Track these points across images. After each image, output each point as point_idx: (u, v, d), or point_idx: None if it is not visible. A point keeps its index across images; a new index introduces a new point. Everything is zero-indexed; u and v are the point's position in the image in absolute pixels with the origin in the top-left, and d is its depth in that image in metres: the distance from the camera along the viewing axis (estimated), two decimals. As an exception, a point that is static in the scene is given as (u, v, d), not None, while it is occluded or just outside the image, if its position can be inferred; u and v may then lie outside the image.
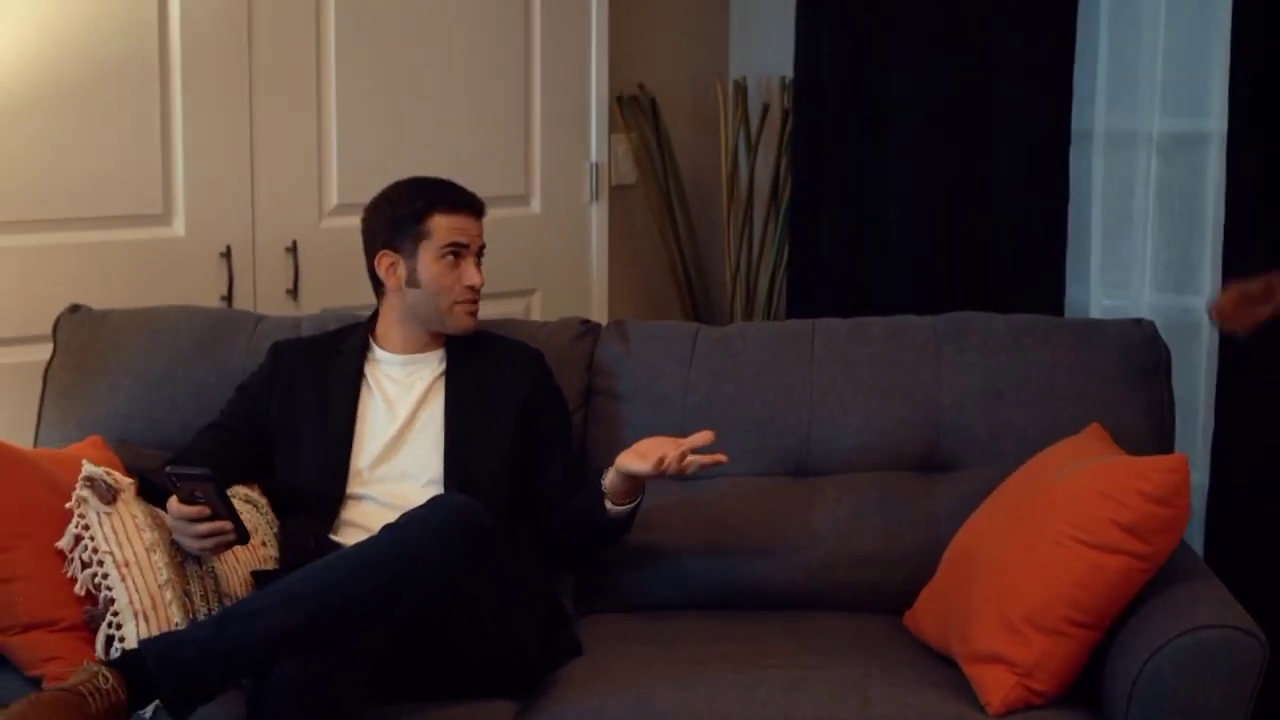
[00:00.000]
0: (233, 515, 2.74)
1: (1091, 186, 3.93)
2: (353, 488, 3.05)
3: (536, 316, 4.10)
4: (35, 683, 2.68)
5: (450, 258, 3.11)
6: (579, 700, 2.76)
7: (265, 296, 3.77)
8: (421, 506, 2.72)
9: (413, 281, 3.13)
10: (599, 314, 4.23)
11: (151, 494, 2.86)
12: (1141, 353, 3.23)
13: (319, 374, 3.17)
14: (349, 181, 3.79)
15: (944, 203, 4.08)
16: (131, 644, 2.69)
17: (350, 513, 3.04)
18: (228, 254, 3.69)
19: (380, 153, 3.81)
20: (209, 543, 2.76)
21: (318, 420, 3.12)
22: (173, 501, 2.75)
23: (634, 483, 3.00)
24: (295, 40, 3.73)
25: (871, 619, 3.12)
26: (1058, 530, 2.71)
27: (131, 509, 2.83)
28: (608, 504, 3.01)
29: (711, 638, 3.02)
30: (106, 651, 2.71)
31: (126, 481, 2.87)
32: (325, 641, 2.56)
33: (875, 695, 2.74)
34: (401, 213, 3.14)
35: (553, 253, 4.21)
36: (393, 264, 3.14)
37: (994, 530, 2.89)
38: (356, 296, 3.48)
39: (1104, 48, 3.89)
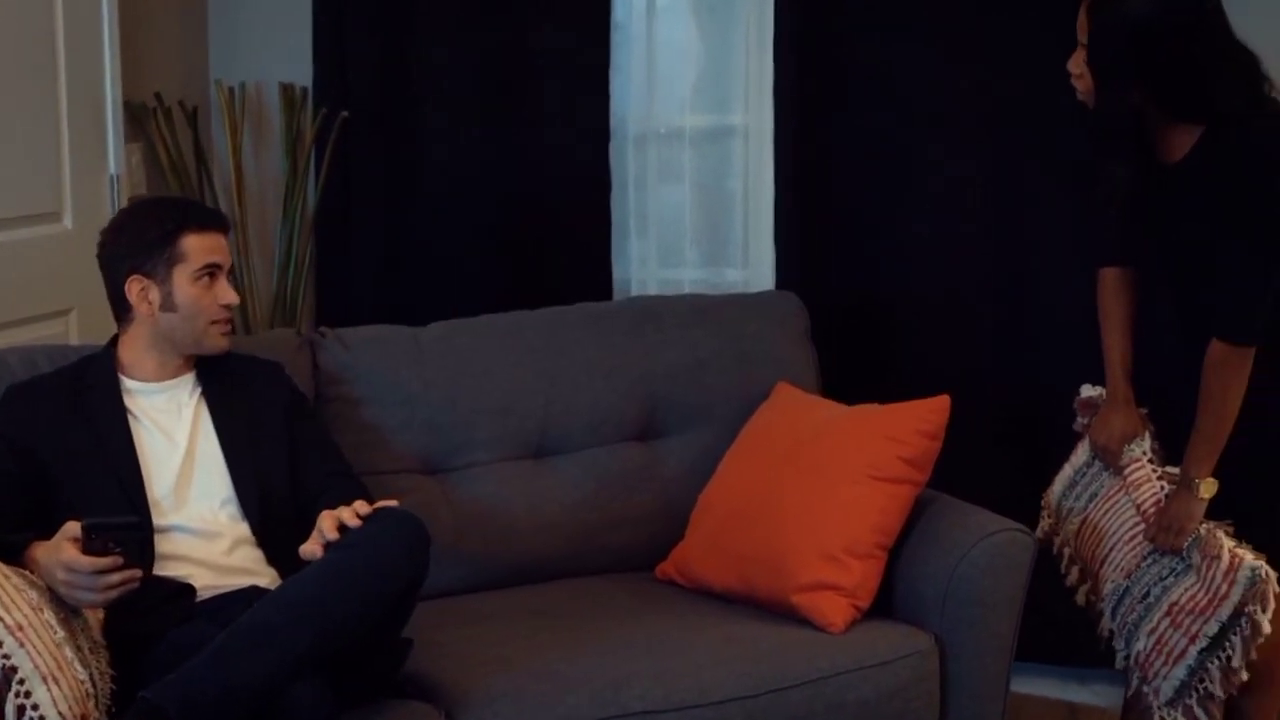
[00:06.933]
0: (144, 560, 2.64)
1: (628, 177, 4.32)
2: (157, 520, 2.96)
3: (75, 336, 3.98)
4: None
5: (206, 279, 3.05)
6: (489, 686, 2.88)
7: None
8: (373, 523, 2.75)
9: (168, 305, 3.03)
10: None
11: (6, 553, 2.67)
12: (796, 318, 3.74)
13: (75, 413, 3.01)
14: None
15: (489, 202, 4.27)
16: (47, 710, 2.50)
17: (163, 545, 2.94)
18: None
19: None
20: (115, 592, 2.63)
21: (97, 460, 2.97)
22: (76, 555, 2.60)
23: None
24: None
25: (630, 576, 3.45)
26: (854, 471, 3.19)
27: (3, 570, 2.62)
28: None
29: (516, 614, 3.23)
30: (19, 723, 2.52)
31: (-13, 543, 2.66)
32: (326, 657, 2.60)
33: (725, 634, 3.09)
34: (150, 235, 3.04)
35: (88, 269, 4.04)
36: (144, 289, 3.04)
37: (780, 480, 3.28)
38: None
39: (640, 54, 4.29)
